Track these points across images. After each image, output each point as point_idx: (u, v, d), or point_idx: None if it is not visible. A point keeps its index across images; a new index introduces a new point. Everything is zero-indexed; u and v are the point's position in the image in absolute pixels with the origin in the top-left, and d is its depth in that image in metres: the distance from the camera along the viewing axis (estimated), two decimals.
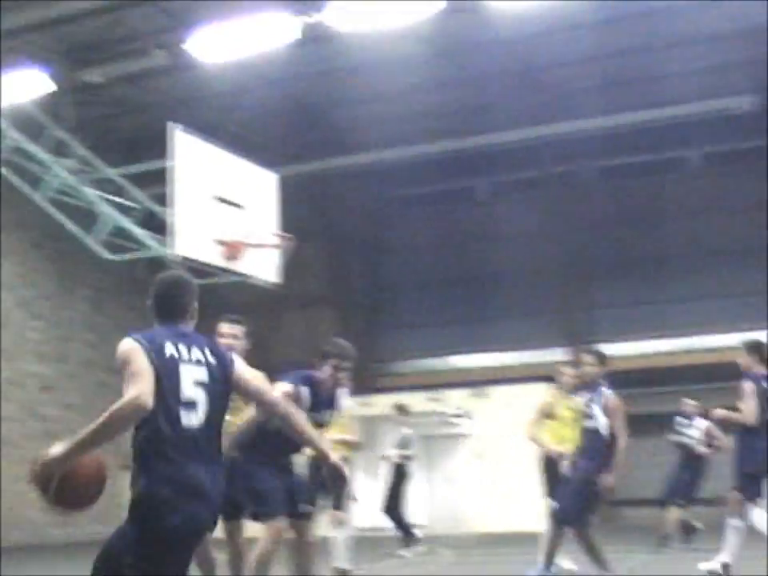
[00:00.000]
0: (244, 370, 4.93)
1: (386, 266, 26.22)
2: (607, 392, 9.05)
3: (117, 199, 16.41)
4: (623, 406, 9.04)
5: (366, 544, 13.28)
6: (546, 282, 23.98)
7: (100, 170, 16.78)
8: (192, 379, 4.68)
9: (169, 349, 4.72)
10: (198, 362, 4.74)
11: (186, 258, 13.71)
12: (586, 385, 9.36)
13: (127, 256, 15.93)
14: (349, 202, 25.09)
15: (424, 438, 24.54)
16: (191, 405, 4.64)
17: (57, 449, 4.44)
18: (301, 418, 5.12)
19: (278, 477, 7.42)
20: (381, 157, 21.73)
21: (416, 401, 22.90)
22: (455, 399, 23.00)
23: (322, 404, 7.51)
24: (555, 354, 22.54)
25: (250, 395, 5.00)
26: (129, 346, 4.77)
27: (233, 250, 14.12)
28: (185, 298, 4.99)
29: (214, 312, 26.22)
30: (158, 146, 14.93)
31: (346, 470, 5.43)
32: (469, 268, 24.81)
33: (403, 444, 16.02)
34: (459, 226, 25.03)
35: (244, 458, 7.31)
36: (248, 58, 16.89)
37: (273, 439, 7.06)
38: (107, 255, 15.59)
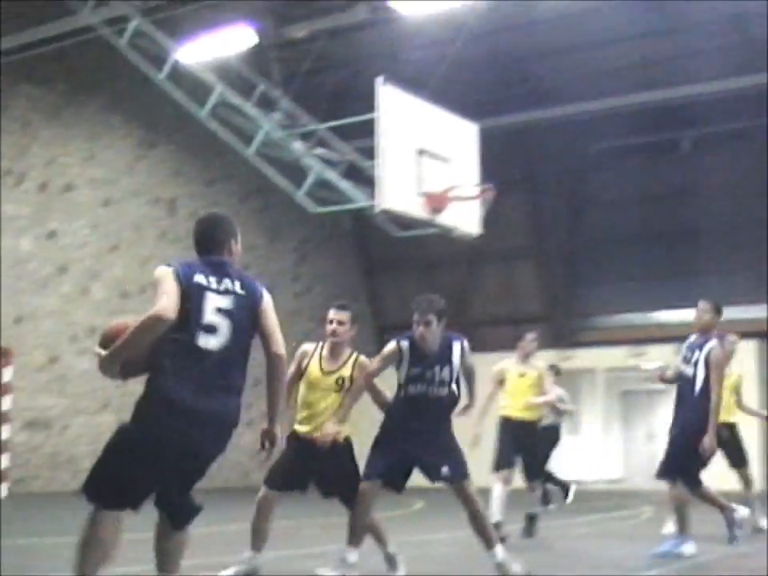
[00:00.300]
0: (269, 309, 5.24)
1: (586, 219, 25.86)
2: (714, 344, 8.86)
3: (322, 152, 16.71)
4: (726, 361, 8.89)
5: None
6: (749, 237, 23.23)
7: (305, 124, 17.11)
8: (216, 306, 5.00)
9: (198, 277, 5.04)
10: (226, 291, 5.08)
11: (389, 211, 13.90)
12: (699, 332, 9.12)
13: (333, 209, 16.23)
14: (550, 155, 24.82)
15: (624, 394, 24.34)
16: (211, 329, 4.97)
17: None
18: (281, 380, 5.37)
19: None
20: (583, 109, 21.37)
21: (617, 356, 22.70)
22: (656, 355, 22.64)
23: (426, 359, 7.40)
24: (759, 311, 21.91)
25: (261, 335, 5.22)
26: (162, 271, 5.07)
27: (436, 202, 14.20)
28: (220, 235, 5.32)
29: (415, 264, 26.66)
30: (361, 100, 15.12)
31: (278, 443, 5.49)
32: (671, 222, 24.22)
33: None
34: (662, 179, 24.42)
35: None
36: (450, 11, 16.86)
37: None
38: (313, 208, 15.90)
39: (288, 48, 18.89)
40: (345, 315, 7.64)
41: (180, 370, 4.92)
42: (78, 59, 20.08)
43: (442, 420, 7.52)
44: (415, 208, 14.05)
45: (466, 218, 14.98)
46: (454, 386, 7.47)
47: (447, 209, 14.43)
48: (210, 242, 5.28)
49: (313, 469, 7.49)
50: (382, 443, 7.48)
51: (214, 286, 5.07)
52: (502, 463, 10.69)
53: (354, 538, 7.36)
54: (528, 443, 10.81)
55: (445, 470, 7.34)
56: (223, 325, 5.01)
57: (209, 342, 4.96)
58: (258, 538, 7.47)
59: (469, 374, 7.65)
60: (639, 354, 22.34)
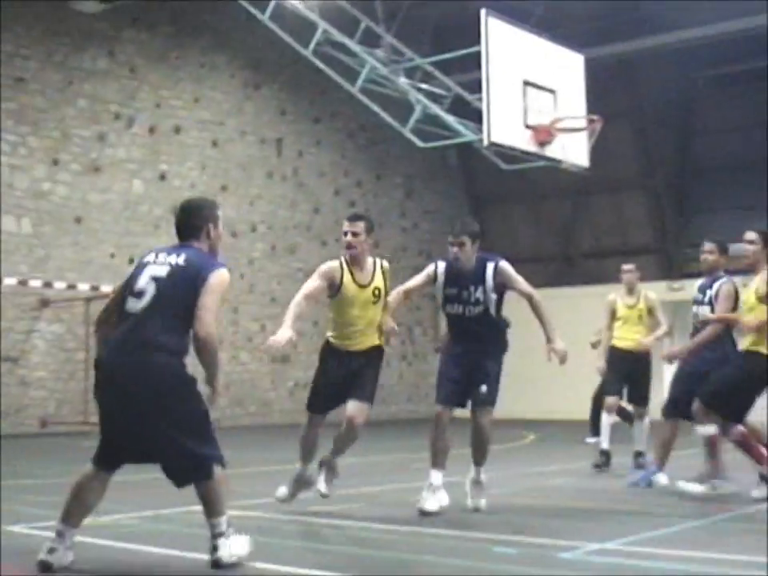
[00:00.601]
0: (210, 290, 5.23)
1: (696, 148, 25.38)
2: (724, 280, 8.83)
3: (427, 87, 16.65)
4: (734, 295, 8.68)
5: None
6: None
7: (409, 59, 17.04)
8: (149, 275, 5.29)
9: (149, 256, 5.42)
10: (165, 262, 5.31)
11: (496, 144, 13.82)
12: (706, 273, 9.06)
13: (439, 143, 16.18)
14: (658, 83, 24.34)
15: None
16: (139, 293, 5.26)
17: None
18: (207, 359, 5.34)
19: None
20: (689, 36, 20.87)
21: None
22: None
23: (461, 279, 7.68)
24: None
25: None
26: None
27: (543, 134, 14.09)
28: (196, 221, 5.50)
29: (523, 197, 26.53)
30: (465, 33, 14.99)
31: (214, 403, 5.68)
32: None
33: None
34: None
35: None
36: None
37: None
38: (420, 143, 15.87)
39: None
40: (359, 225, 7.53)
41: (110, 333, 5.36)
42: (182, 2, 20.26)
43: (486, 342, 7.76)
44: (522, 141, 13.96)
45: (573, 150, 14.83)
46: (491, 308, 7.69)
47: (554, 141, 14.30)
48: (185, 228, 5.51)
49: (350, 372, 7.52)
50: (440, 368, 8.00)
51: (157, 260, 5.36)
52: (610, 391, 10.79)
53: (435, 460, 7.66)
54: (636, 372, 10.81)
55: (483, 388, 7.63)
56: (150, 289, 5.26)
57: (135, 306, 5.27)
58: (307, 453, 7.65)
59: (530, 299, 7.71)
60: (746, 284, 21.95)
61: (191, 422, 5.32)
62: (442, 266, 7.82)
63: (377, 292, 7.53)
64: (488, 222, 27.00)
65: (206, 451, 5.35)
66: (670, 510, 7.79)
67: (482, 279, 7.67)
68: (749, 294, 8.58)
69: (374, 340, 7.56)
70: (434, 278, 7.86)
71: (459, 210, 26.80)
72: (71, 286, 17.19)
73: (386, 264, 7.70)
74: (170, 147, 20.26)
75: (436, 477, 7.63)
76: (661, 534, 6.67)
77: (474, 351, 7.73)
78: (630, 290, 10.94)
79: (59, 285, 17.54)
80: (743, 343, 8.56)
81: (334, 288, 7.52)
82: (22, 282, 17.24)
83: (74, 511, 5.34)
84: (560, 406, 21.70)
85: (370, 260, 7.60)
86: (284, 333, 6.95)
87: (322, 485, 7.61)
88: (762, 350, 8.32)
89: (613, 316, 10.97)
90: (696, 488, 8.38)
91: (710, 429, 8.32)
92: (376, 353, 7.60)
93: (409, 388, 25.03)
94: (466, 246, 7.64)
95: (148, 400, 5.19)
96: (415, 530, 6.83)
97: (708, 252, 9.12)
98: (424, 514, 7.42)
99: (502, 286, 7.71)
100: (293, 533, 6.86)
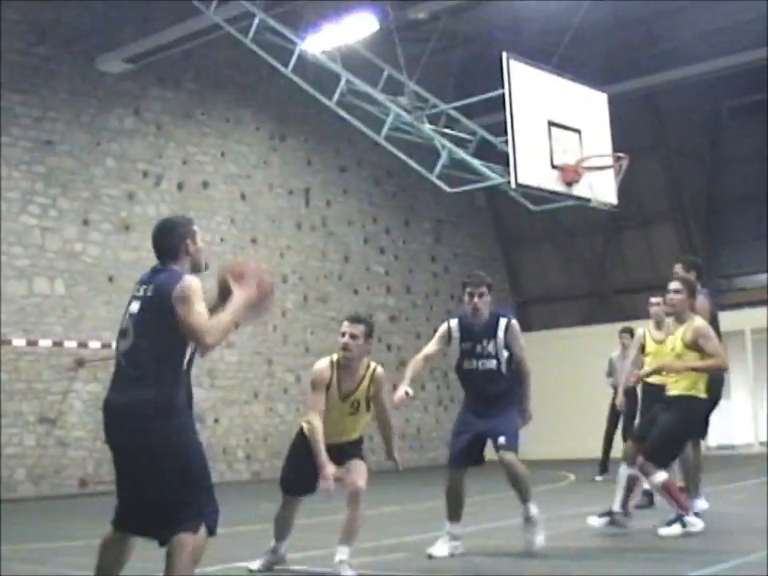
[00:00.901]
0: (180, 302, 5.07)
1: (725, 177, 25.31)
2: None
3: (451, 132, 16.68)
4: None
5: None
6: None
7: (433, 105, 17.09)
8: (129, 312, 5.24)
9: (134, 290, 5.33)
10: (139, 297, 5.23)
11: (524, 185, 13.81)
12: None
13: (467, 188, 16.19)
14: (683, 116, 24.34)
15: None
16: (124, 333, 5.23)
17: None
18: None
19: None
20: (712, 66, 20.89)
21: (763, 316, 22.13)
22: None
23: (475, 335, 7.83)
24: None
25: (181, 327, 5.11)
26: None
27: (570, 174, 14.07)
28: (172, 241, 5.41)
29: (553, 236, 26.47)
30: (487, 76, 15.06)
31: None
32: None
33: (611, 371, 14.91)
34: None
35: None
36: None
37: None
38: (447, 189, 15.89)
39: (410, 30, 18.88)
40: (358, 328, 7.27)
41: (113, 372, 5.37)
42: (205, 58, 20.46)
43: (498, 400, 7.78)
44: (550, 181, 13.94)
45: (601, 188, 14.79)
46: (503, 365, 7.80)
47: (582, 180, 14.28)
48: (162, 250, 5.42)
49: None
50: (454, 430, 8.05)
51: (136, 293, 5.30)
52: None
53: (449, 513, 7.83)
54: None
55: (501, 439, 7.62)
56: (130, 327, 5.21)
57: (121, 346, 5.25)
58: (281, 531, 7.49)
59: (519, 364, 7.87)
60: None
61: (171, 479, 5.03)
62: (454, 322, 8.00)
63: (355, 404, 7.27)
64: (519, 263, 27.00)
65: (181, 512, 5.03)
66: (715, 545, 7.68)
67: (494, 334, 7.81)
68: (675, 341, 8.65)
69: (351, 438, 7.37)
70: (448, 337, 7.97)
71: (489, 252, 26.81)
72: (106, 345, 17.24)
73: (379, 370, 7.40)
74: (199, 202, 20.39)
75: (451, 527, 7.82)
76: (711, 573, 6.58)
77: (486, 409, 7.79)
78: (658, 324, 10.77)
79: (94, 344, 17.61)
80: (677, 388, 8.59)
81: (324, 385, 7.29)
82: (57, 344, 17.33)
83: (101, 574, 5.18)
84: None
85: (364, 363, 7.37)
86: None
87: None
88: (700, 394, 8.50)
89: (642, 351, 10.88)
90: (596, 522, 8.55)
91: (662, 475, 8.36)
92: (355, 442, 7.40)
93: (446, 433, 24.81)
94: (485, 297, 7.85)
95: (125, 432, 5.09)
96: None
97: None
98: (430, 557, 7.60)
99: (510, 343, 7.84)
100: None
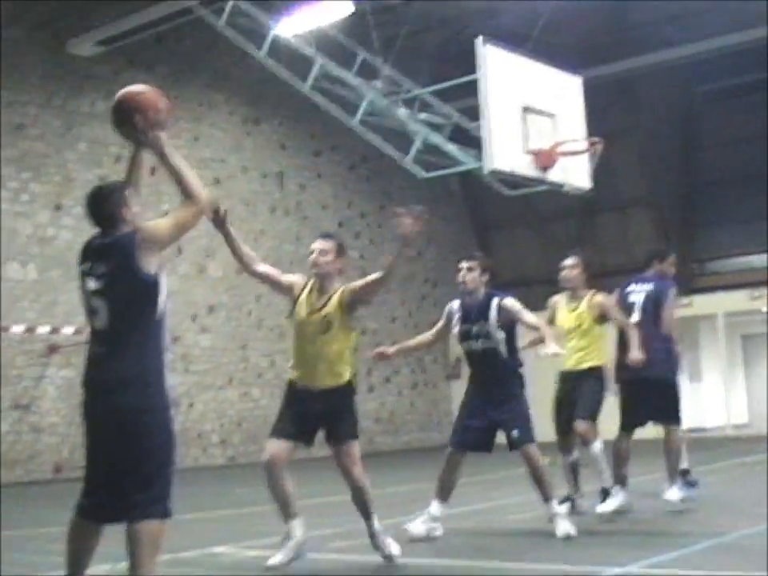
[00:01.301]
0: (154, 234, 5.05)
1: (699, 162, 25.37)
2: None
3: (426, 116, 16.65)
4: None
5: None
6: None
7: (408, 89, 17.05)
8: (88, 290, 5.15)
9: (83, 267, 5.24)
10: (92, 274, 5.15)
11: (498, 171, 13.80)
12: None
13: (441, 173, 16.17)
14: (658, 100, 24.37)
15: (744, 338, 23.92)
16: (94, 312, 5.11)
17: None
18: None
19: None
20: (686, 52, 20.93)
21: (737, 300, 22.26)
22: None
23: (470, 315, 7.85)
24: None
25: (171, 228, 5.13)
26: None
27: (544, 159, 14.07)
28: (108, 209, 5.25)
29: (528, 220, 26.42)
30: (463, 60, 15.00)
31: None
32: None
33: None
34: None
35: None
36: None
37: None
38: (422, 174, 15.86)
39: (385, 13, 18.83)
40: (327, 244, 6.85)
41: (89, 347, 5.24)
42: (178, 42, 20.34)
43: (500, 384, 7.78)
44: (524, 166, 13.94)
45: (576, 173, 14.81)
46: (500, 346, 7.77)
47: (556, 165, 14.28)
48: (99, 219, 5.28)
49: (316, 415, 6.82)
50: (461, 409, 8.03)
51: (89, 270, 5.20)
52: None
53: (439, 492, 7.82)
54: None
55: (515, 433, 7.61)
56: (100, 305, 5.09)
57: (97, 324, 5.13)
58: (283, 504, 6.89)
59: (535, 329, 7.95)
60: (759, 296, 21.93)
61: (144, 460, 4.98)
62: (455, 303, 8.01)
63: (326, 323, 6.71)
64: (494, 247, 26.98)
65: (145, 492, 4.94)
66: (688, 528, 7.72)
67: (485, 314, 7.77)
68: (581, 316, 8.99)
69: (337, 379, 6.79)
70: (447, 318, 8.02)
71: (464, 237, 26.80)
72: (79, 331, 17.15)
73: (351, 285, 6.84)
74: (172, 187, 20.15)
75: (435, 507, 7.80)
76: (680, 555, 6.61)
77: (491, 395, 7.77)
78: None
79: (67, 330, 17.51)
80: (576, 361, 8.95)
81: (291, 300, 6.94)
82: (30, 329, 17.23)
83: (70, 562, 5.08)
84: None
85: (336, 284, 6.88)
86: None
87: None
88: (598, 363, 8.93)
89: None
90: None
91: (598, 444, 8.62)
92: (343, 390, 6.86)
93: (421, 417, 24.93)
94: (474, 272, 7.82)
95: (104, 407, 5.08)
96: (434, 563, 6.76)
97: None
98: (408, 534, 7.59)
99: (510, 322, 7.77)
100: (302, 569, 6.75)
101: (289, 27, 17.05)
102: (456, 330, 7.93)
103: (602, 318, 9.00)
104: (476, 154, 14.44)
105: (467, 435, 7.81)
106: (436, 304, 24.57)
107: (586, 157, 14.94)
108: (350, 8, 17.04)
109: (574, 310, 9.08)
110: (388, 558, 6.81)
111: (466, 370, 8.32)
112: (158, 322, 5.09)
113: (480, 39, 13.77)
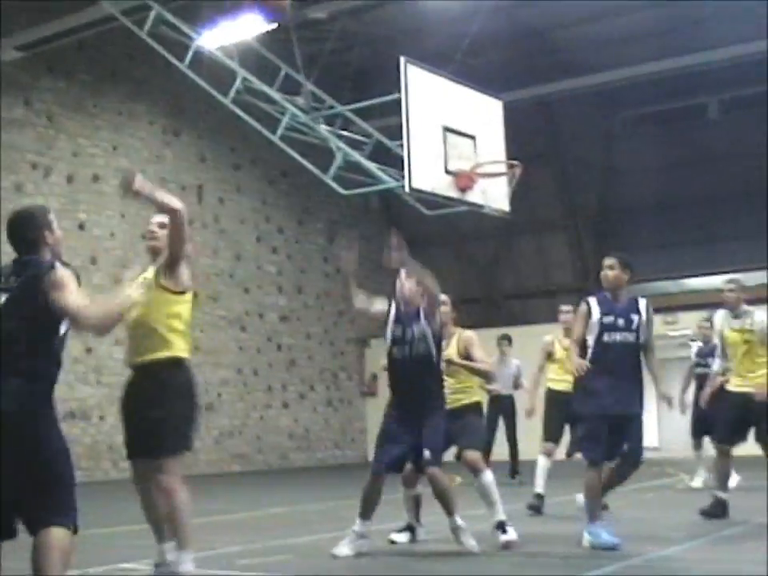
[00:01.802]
0: (53, 288, 4.95)
1: (616, 187, 25.72)
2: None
3: (347, 134, 16.67)
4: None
5: None
6: None
7: (330, 106, 17.06)
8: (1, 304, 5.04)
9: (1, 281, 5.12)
10: (5, 289, 5.06)
11: (417, 190, 13.84)
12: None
13: (361, 190, 16.18)
14: (576, 125, 24.71)
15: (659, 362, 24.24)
16: None
17: None
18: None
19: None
20: (606, 78, 21.27)
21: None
22: (689, 322, 22.52)
23: (403, 319, 7.92)
24: None
25: (62, 312, 5.03)
26: None
27: (464, 180, 14.13)
28: (30, 233, 5.20)
29: (447, 240, 26.52)
30: (385, 79, 15.04)
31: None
32: (701, 188, 24.02)
33: (517, 375, 15.35)
34: (690, 145, 24.24)
35: None
36: None
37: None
38: (341, 191, 15.87)
39: (309, 29, 18.82)
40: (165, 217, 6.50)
41: None
42: (99, 50, 20.15)
43: (426, 395, 7.77)
44: (444, 187, 13.98)
45: (495, 195, 14.89)
46: (433, 350, 7.82)
47: (476, 186, 14.36)
48: (21, 243, 5.22)
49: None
50: (383, 428, 7.90)
51: (4, 286, 5.12)
52: (548, 436, 10.76)
53: (363, 511, 7.77)
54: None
55: (426, 454, 7.62)
56: (3, 320, 5.03)
57: None
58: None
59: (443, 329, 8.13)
60: (671, 321, 22.27)
61: (45, 480, 4.92)
62: (394, 306, 8.04)
63: (151, 283, 6.50)
64: None
65: (52, 509, 4.89)
66: (596, 552, 7.77)
67: (416, 317, 7.85)
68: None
69: (155, 353, 6.87)
70: (386, 316, 8.01)
71: (382, 255, 26.82)
72: None
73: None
74: (89, 196, 20.04)
75: (360, 525, 7.75)
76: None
77: (414, 408, 7.72)
78: (568, 332, 10.36)
79: None
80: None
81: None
82: None
83: None
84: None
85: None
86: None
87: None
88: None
89: (549, 357, 11.07)
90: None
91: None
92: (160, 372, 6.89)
93: (335, 434, 24.86)
94: (413, 280, 8.10)
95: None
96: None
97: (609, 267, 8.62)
98: (334, 557, 7.52)
99: (440, 327, 7.88)
100: None
101: (212, 39, 16.96)
102: (389, 332, 7.91)
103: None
104: (396, 173, 14.48)
105: (388, 460, 7.77)
106: (353, 321, 24.58)
107: (504, 179, 15.05)
108: (273, 22, 17.00)
109: None
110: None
111: (381, 388, 8.31)
112: (55, 334, 5.06)
113: (403, 59, 13.82)
